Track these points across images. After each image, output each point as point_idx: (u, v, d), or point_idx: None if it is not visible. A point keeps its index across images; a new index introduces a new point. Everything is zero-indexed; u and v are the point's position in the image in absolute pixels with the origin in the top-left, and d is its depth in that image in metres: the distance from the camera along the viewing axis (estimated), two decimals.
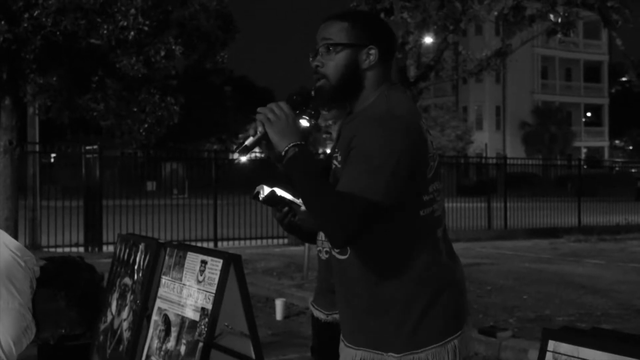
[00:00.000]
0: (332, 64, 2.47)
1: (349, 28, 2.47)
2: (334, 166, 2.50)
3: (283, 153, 2.39)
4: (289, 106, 2.45)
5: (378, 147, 2.31)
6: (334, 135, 3.34)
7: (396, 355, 2.43)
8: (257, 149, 2.54)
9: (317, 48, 2.51)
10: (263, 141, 2.47)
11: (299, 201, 2.96)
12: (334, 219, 2.30)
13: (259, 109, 2.46)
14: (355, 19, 2.50)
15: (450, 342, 2.45)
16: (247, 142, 2.47)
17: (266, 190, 2.83)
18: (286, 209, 2.91)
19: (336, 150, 2.53)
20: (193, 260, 3.84)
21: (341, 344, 2.63)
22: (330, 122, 3.45)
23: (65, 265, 3.28)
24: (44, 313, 3.13)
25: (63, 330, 3.21)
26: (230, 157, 20.50)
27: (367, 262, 2.45)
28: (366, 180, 2.29)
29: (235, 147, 2.53)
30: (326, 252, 3.26)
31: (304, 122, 2.51)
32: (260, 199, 2.81)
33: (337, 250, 2.51)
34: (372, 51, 2.47)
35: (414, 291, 2.43)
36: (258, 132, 2.45)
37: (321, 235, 3.40)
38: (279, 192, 2.86)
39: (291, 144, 2.38)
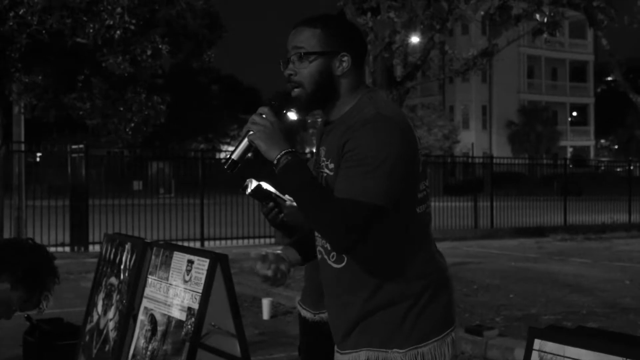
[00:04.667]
0: (306, 72, 2.46)
1: (321, 35, 2.46)
2: (324, 174, 2.46)
3: (275, 162, 2.38)
4: (271, 112, 2.44)
5: (374, 149, 2.31)
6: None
7: (401, 350, 2.44)
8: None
9: (288, 56, 2.49)
10: (250, 152, 2.45)
11: (285, 196, 2.97)
12: (336, 224, 2.31)
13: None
14: (326, 25, 2.49)
15: (449, 334, 2.50)
16: (233, 156, 2.45)
17: (254, 183, 2.85)
18: (272, 204, 2.93)
19: (323, 160, 2.49)
20: (179, 259, 3.83)
21: (336, 355, 2.59)
22: (319, 118, 3.46)
23: (7, 248, 3.45)
24: None
25: (14, 308, 3.39)
26: (217, 157, 20.46)
27: (367, 267, 2.45)
28: (365, 184, 2.30)
29: (223, 162, 2.51)
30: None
31: (292, 116, 2.52)
32: (247, 192, 2.83)
33: (333, 260, 2.50)
34: (345, 58, 2.47)
35: (415, 288, 2.45)
36: (243, 145, 2.44)
37: None
38: (265, 186, 2.88)
39: (283, 152, 2.37)
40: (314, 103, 2.51)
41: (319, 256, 2.58)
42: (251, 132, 2.41)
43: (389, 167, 2.31)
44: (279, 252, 2.70)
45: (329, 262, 2.51)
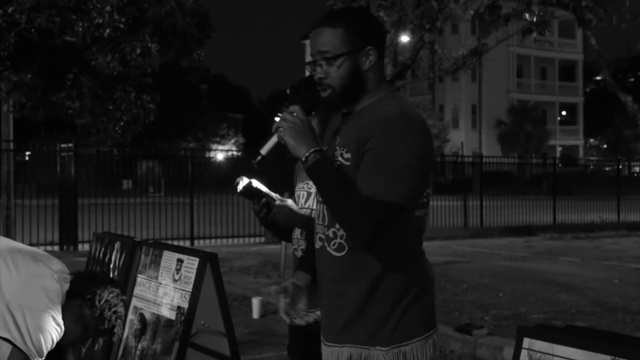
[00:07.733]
0: (336, 75, 2.49)
1: (344, 34, 2.47)
2: (338, 163, 2.49)
3: (303, 159, 2.41)
4: (302, 110, 2.46)
5: (399, 149, 2.36)
6: (316, 129, 3.34)
7: (384, 349, 2.47)
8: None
9: (314, 60, 2.51)
10: (278, 149, 2.48)
11: (274, 195, 2.98)
12: (363, 220, 2.34)
13: (276, 120, 2.48)
14: (347, 22, 2.50)
15: (431, 336, 2.54)
16: (263, 152, 2.47)
17: (245, 181, 2.85)
18: (263, 201, 2.94)
19: (337, 148, 2.52)
20: (169, 258, 3.83)
21: (322, 345, 2.63)
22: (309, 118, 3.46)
23: (89, 279, 3.67)
24: (72, 320, 3.48)
25: (89, 334, 3.64)
26: (207, 156, 20.41)
27: (365, 259, 2.48)
28: (391, 183, 2.34)
29: (253, 160, 2.53)
30: (302, 250, 3.26)
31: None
32: (238, 190, 2.84)
33: (334, 247, 2.53)
34: (371, 52, 2.50)
35: (404, 287, 2.49)
36: (272, 141, 2.46)
37: (296, 233, 3.41)
38: (256, 184, 2.88)
39: (312, 150, 2.40)
40: (345, 102, 2.54)
41: (318, 244, 2.61)
42: (281, 129, 2.44)
43: (414, 169, 2.36)
44: (294, 281, 2.74)
45: (329, 249, 2.54)
